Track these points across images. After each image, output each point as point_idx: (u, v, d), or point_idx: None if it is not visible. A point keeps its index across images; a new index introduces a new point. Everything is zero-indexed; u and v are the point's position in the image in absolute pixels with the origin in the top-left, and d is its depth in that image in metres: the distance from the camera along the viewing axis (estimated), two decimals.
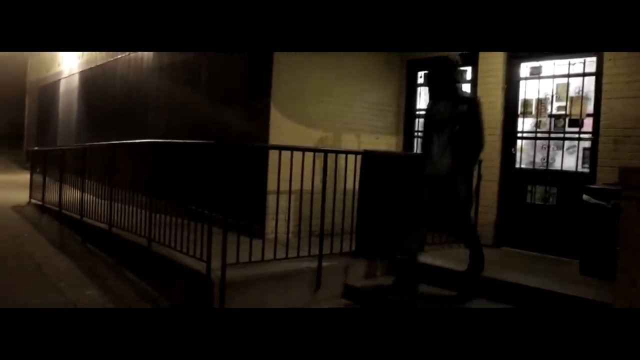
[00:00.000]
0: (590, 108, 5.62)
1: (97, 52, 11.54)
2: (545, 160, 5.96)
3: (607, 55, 5.34)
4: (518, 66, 6.19)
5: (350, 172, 5.09)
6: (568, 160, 5.80)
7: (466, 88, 6.74)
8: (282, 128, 6.07)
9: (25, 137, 20.10)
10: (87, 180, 7.40)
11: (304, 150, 4.80)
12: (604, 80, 5.39)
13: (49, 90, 16.17)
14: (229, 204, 4.37)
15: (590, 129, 5.59)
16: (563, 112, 5.85)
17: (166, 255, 4.94)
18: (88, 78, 12.44)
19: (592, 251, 4.77)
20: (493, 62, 6.27)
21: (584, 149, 5.66)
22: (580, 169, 5.67)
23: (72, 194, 7.85)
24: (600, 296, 4.08)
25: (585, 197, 4.82)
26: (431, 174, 4.60)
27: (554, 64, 5.91)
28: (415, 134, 7.26)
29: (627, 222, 3.47)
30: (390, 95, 7.23)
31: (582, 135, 5.68)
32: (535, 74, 6.11)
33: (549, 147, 5.95)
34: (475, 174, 6.27)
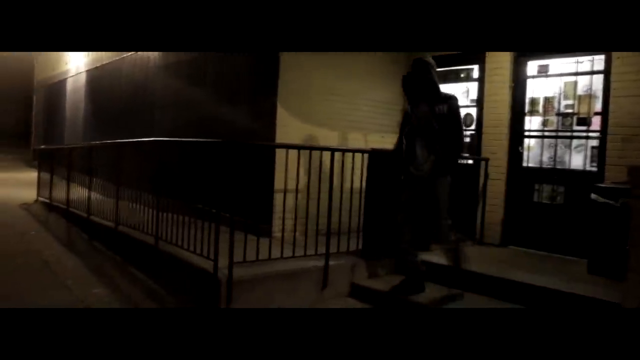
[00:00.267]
0: (598, 106, 5.59)
1: (104, 51, 11.56)
2: (553, 158, 5.93)
3: (615, 53, 5.31)
4: (525, 64, 6.17)
5: (357, 171, 5.08)
6: (576, 159, 5.77)
7: (473, 87, 6.73)
8: (288, 126, 6.06)
9: (32, 135, 20.19)
10: (94, 179, 7.42)
11: (311, 148, 4.80)
12: (613, 78, 5.36)
13: (55, 89, 16.23)
14: (236, 203, 4.37)
15: (598, 128, 5.57)
16: (571, 111, 5.82)
17: (173, 254, 4.94)
18: (95, 77, 12.47)
19: (601, 250, 4.75)
20: (500, 60, 6.24)
21: (592, 147, 5.63)
22: (588, 168, 5.64)
23: (79, 192, 7.86)
24: (609, 296, 4.06)
25: (593, 196, 4.80)
26: (414, 177, 4.55)
27: (562, 62, 5.88)
28: None
29: (638, 221, 3.45)
30: (397, 94, 7.19)
31: (590, 134, 5.65)
32: (543, 72, 6.09)
33: (556, 145, 5.92)
34: (482, 172, 6.30)
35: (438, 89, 4.56)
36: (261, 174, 5.87)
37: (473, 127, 6.67)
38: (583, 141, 5.72)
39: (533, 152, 6.13)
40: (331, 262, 4.84)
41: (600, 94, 5.57)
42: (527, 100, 6.17)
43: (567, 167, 5.81)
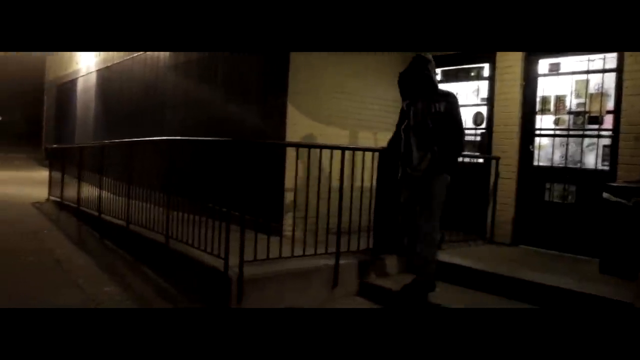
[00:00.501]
0: (610, 105, 5.55)
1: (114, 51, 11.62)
2: (564, 157, 5.89)
3: None
4: (536, 63, 6.13)
5: (367, 170, 5.08)
6: (587, 158, 5.73)
7: (483, 85, 6.70)
8: (298, 125, 6.07)
9: (43, 134, 20.35)
10: (104, 178, 7.46)
11: (321, 147, 4.80)
12: (625, 76, 5.32)
13: (66, 89, 16.33)
14: (247, 201, 4.38)
15: (610, 126, 5.52)
16: (582, 109, 5.78)
17: (184, 252, 4.96)
18: (105, 76, 12.54)
19: (613, 250, 4.72)
20: (511, 58, 6.21)
21: (604, 146, 5.59)
22: (600, 167, 5.59)
23: (90, 191, 7.91)
24: (621, 295, 4.03)
25: (605, 195, 4.77)
26: (411, 177, 4.53)
27: (573, 60, 5.84)
28: None
29: None
30: None
31: (601, 133, 5.61)
32: (554, 70, 6.05)
33: (567, 144, 5.88)
34: (493, 171, 6.27)
35: (435, 86, 4.47)
36: (271, 173, 5.88)
37: (484, 125, 6.65)
38: (595, 140, 5.68)
39: (544, 150, 6.10)
40: (341, 261, 4.84)
41: (612, 92, 5.52)
42: (538, 99, 6.13)
43: (578, 166, 5.77)
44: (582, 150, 5.76)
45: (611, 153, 5.47)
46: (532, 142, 6.14)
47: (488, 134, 6.51)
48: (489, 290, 4.67)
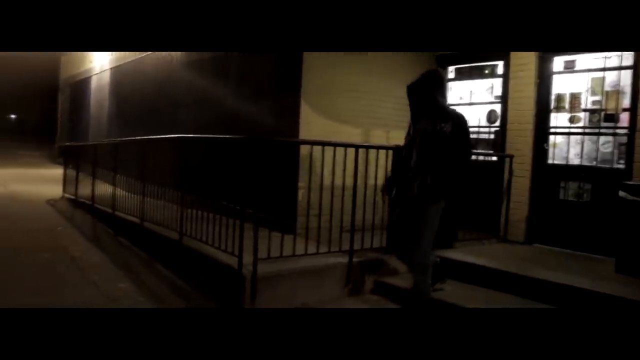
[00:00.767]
0: (626, 102, 5.50)
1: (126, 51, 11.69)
2: (579, 155, 5.84)
3: None
4: (551, 60, 6.09)
5: (380, 168, 5.07)
6: (603, 156, 5.68)
7: (497, 83, 6.66)
8: (312, 123, 6.07)
9: (57, 132, 20.49)
10: (118, 175, 7.51)
11: (335, 145, 4.79)
12: None
13: (80, 87, 16.44)
14: (260, 199, 4.39)
15: (626, 124, 5.47)
16: (598, 107, 5.73)
17: (198, 250, 4.98)
18: (119, 74, 12.61)
19: (629, 249, 4.68)
20: (525, 55, 6.17)
21: (620, 144, 5.54)
22: (615, 165, 5.55)
23: (104, 189, 7.97)
24: (638, 295, 3.99)
25: (621, 193, 4.73)
26: (405, 196, 4.23)
27: (589, 57, 5.79)
28: None
29: None
30: None
31: (617, 131, 5.56)
32: (569, 68, 6.00)
33: (583, 142, 5.83)
34: (507, 169, 6.24)
35: (440, 106, 4.12)
36: (285, 171, 5.88)
37: (497, 123, 6.61)
38: (610, 138, 5.63)
39: (559, 148, 6.05)
40: (355, 259, 4.85)
41: (628, 89, 5.47)
42: (552, 97, 6.08)
43: (594, 164, 5.72)
44: (597, 149, 5.71)
45: (627, 151, 5.42)
46: (546, 140, 6.10)
47: (502, 132, 6.48)
48: (503, 289, 4.65)
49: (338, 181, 4.86)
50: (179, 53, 9.14)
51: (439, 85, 4.16)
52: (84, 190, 8.98)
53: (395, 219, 4.41)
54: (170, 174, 5.89)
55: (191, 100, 8.67)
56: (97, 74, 14.57)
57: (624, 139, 5.48)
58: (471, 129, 6.71)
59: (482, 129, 6.77)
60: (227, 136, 5.21)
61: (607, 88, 5.66)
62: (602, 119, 5.70)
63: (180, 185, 5.53)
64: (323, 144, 4.74)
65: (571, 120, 5.95)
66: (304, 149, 5.32)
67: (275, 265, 4.42)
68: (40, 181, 13.32)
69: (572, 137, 5.94)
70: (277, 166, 5.36)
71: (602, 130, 5.69)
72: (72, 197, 9.67)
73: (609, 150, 5.62)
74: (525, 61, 6.17)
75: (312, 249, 4.72)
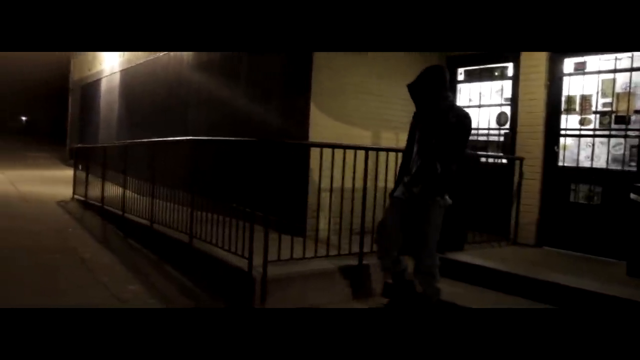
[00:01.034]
0: (638, 104, 5.47)
1: (138, 51, 11.75)
2: (590, 158, 5.81)
3: None
4: (561, 62, 6.06)
5: (390, 170, 5.05)
6: (614, 158, 5.65)
7: (507, 85, 6.64)
8: (321, 125, 6.07)
9: (67, 134, 20.62)
10: (128, 177, 7.54)
11: (345, 147, 4.79)
12: None
13: (90, 89, 16.54)
14: (270, 202, 4.40)
15: (638, 126, 5.45)
16: (609, 109, 5.70)
17: (207, 252, 5.00)
18: (129, 76, 12.67)
19: None
20: (535, 57, 6.15)
21: (631, 146, 5.51)
22: (627, 168, 5.51)
23: (113, 190, 8.01)
24: None
25: (633, 196, 4.70)
26: (399, 196, 4.14)
27: (600, 59, 5.76)
28: None
29: None
30: None
31: (629, 133, 5.53)
32: (580, 69, 5.97)
33: (593, 144, 5.80)
34: (517, 172, 6.22)
35: (444, 101, 4.00)
36: (295, 173, 5.89)
37: (507, 126, 6.59)
38: (622, 140, 5.59)
39: (569, 151, 6.02)
40: (365, 262, 4.84)
41: (639, 91, 5.44)
42: (563, 99, 6.05)
43: (604, 166, 5.69)
44: (608, 151, 5.68)
45: (638, 153, 5.39)
46: (557, 142, 6.07)
47: (512, 134, 6.45)
48: (513, 292, 4.63)
49: (348, 183, 4.86)
50: (189, 55, 9.18)
51: (441, 81, 4.00)
52: (94, 191, 9.03)
53: (392, 222, 4.17)
54: (180, 176, 5.91)
55: (201, 102, 8.70)
56: (107, 76, 14.65)
57: (635, 141, 5.46)
58: (481, 131, 6.78)
59: (491, 131, 6.75)
60: (238, 139, 5.22)
61: (618, 90, 5.63)
62: (612, 121, 5.68)
63: (190, 187, 5.55)
64: (333, 146, 4.74)
65: (582, 122, 5.92)
66: (314, 152, 5.32)
67: (285, 267, 4.43)
68: (50, 182, 13.41)
69: (582, 139, 5.91)
70: (287, 168, 5.37)
71: (613, 133, 5.66)
72: (82, 198, 9.73)
73: (620, 152, 5.59)
74: (536, 63, 6.15)
75: (321, 251, 4.72)
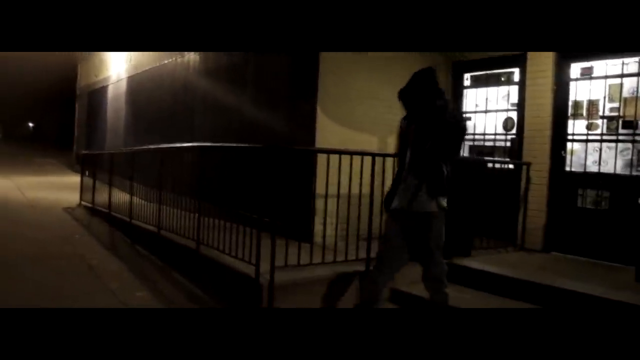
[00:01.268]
0: None
1: (144, 57, 11.80)
2: (597, 163, 5.79)
3: None
4: (568, 67, 6.05)
5: None
6: (621, 163, 5.63)
7: (514, 90, 6.63)
8: (328, 131, 6.08)
9: (74, 140, 20.68)
10: (135, 183, 7.56)
11: (351, 153, 4.79)
12: None
13: (97, 95, 16.60)
14: (277, 208, 4.40)
15: None
16: (616, 114, 5.69)
17: (214, 258, 5.00)
18: (135, 83, 12.72)
19: None
20: (542, 62, 6.14)
21: (639, 151, 5.49)
22: (634, 173, 5.49)
23: (121, 197, 8.02)
24: None
25: None
26: (397, 208, 3.94)
27: (607, 63, 5.75)
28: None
29: None
30: None
31: (636, 137, 5.51)
32: (587, 74, 5.96)
33: (600, 149, 5.78)
34: (524, 177, 6.20)
35: (437, 101, 3.78)
36: (302, 179, 5.89)
37: (514, 131, 6.58)
38: (629, 145, 5.58)
39: (576, 156, 6.01)
40: (372, 268, 4.83)
41: None
42: (570, 104, 6.04)
43: (612, 171, 5.67)
44: (616, 156, 5.66)
45: None
46: (564, 147, 6.05)
47: (518, 140, 6.44)
48: (520, 298, 4.61)
49: (355, 189, 4.86)
50: (195, 61, 9.21)
51: (434, 81, 3.81)
52: (101, 198, 9.05)
53: (393, 237, 4.00)
54: (187, 182, 5.92)
55: (207, 109, 8.73)
56: (113, 82, 14.71)
57: None
58: (487, 137, 6.77)
59: (498, 137, 6.74)
60: (244, 145, 5.23)
61: (625, 94, 5.62)
62: (620, 125, 5.66)
63: (197, 194, 5.56)
64: (340, 152, 4.74)
65: (589, 127, 5.91)
66: (321, 157, 5.33)
67: (292, 273, 4.43)
68: (57, 189, 13.45)
69: (589, 144, 5.89)
70: (293, 174, 5.37)
71: (621, 137, 5.64)
72: (89, 205, 9.75)
73: (628, 157, 5.57)
74: (542, 68, 6.14)
75: (328, 257, 4.72)
